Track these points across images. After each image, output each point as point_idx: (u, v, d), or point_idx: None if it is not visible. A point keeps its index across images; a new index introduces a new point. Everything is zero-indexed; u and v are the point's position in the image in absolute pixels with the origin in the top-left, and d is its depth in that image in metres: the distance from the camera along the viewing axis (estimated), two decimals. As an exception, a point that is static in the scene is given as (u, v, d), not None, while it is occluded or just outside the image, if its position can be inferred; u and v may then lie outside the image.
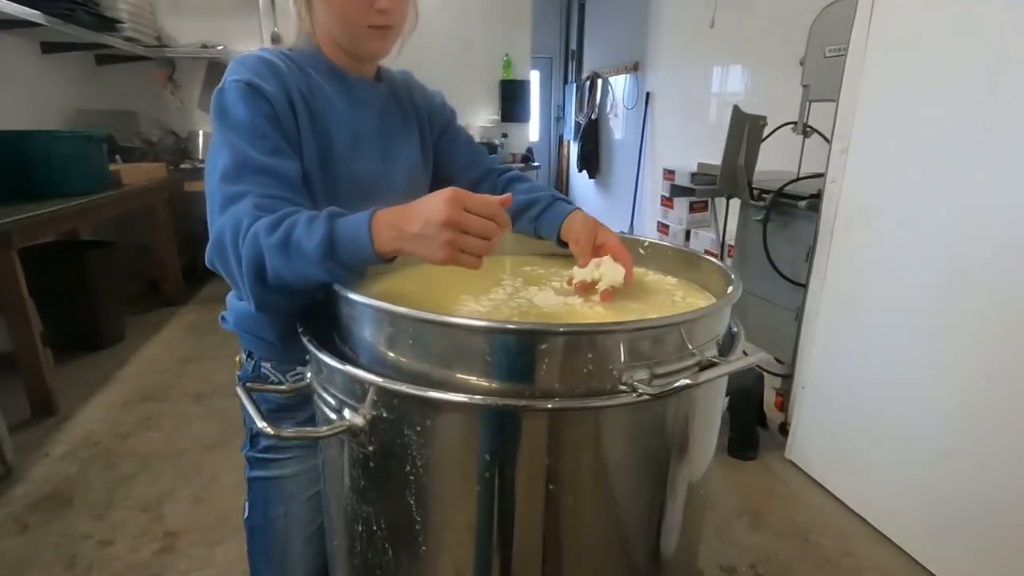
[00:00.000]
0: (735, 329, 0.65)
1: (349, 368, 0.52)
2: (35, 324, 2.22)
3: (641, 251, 0.87)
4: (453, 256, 0.56)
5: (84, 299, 2.83)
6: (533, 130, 6.77)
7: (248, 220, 0.62)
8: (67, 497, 1.82)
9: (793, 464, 2.00)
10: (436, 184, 0.97)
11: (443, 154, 0.97)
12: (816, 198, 1.98)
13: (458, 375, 0.50)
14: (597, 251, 0.78)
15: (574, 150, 6.51)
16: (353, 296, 0.55)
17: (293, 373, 0.84)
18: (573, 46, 6.69)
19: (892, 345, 1.63)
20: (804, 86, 2.27)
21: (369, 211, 0.60)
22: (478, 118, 4.61)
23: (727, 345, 0.62)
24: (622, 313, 0.67)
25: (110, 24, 3.24)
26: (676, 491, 0.56)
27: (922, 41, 1.53)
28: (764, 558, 1.61)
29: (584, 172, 6.29)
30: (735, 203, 2.47)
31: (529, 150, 4.83)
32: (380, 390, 0.51)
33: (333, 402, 0.56)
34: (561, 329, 0.49)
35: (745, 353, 0.56)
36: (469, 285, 0.76)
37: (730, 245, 2.85)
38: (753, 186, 2.30)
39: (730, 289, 0.62)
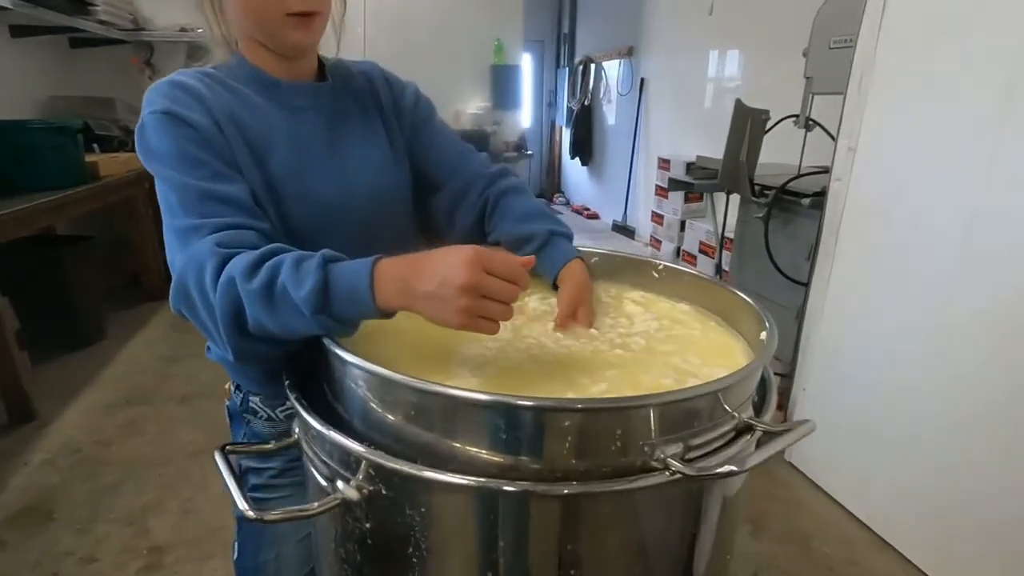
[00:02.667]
0: (767, 377, 0.59)
1: (340, 439, 0.46)
2: (9, 324, 2.13)
3: (655, 275, 0.81)
4: (470, 322, 0.50)
5: (62, 296, 2.72)
6: (525, 116, 6.64)
7: (213, 261, 0.54)
8: (47, 510, 1.75)
9: (794, 467, 1.98)
10: (417, 193, 0.88)
11: (421, 158, 0.86)
12: (820, 196, 1.93)
13: (468, 448, 0.44)
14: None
15: (567, 136, 6.40)
16: (346, 356, 0.48)
17: (283, 408, 0.78)
18: (566, 29, 6.55)
19: (897, 348, 1.60)
20: (807, 78, 2.20)
21: (371, 259, 0.53)
22: (469, 105, 4.50)
23: (760, 396, 0.57)
24: (647, 359, 0.60)
25: (82, 6, 3.09)
26: (711, 566, 0.51)
27: (937, 33, 1.46)
28: (765, 566, 1.58)
29: (577, 159, 6.20)
30: (735, 196, 2.42)
31: (522, 138, 4.73)
32: (375, 465, 0.44)
33: (325, 470, 0.50)
34: (579, 406, 0.43)
35: (782, 411, 0.50)
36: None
37: (728, 238, 2.81)
38: (754, 182, 2.25)
39: (763, 335, 0.56)
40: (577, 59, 6.05)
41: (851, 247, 1.75)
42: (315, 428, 0.48)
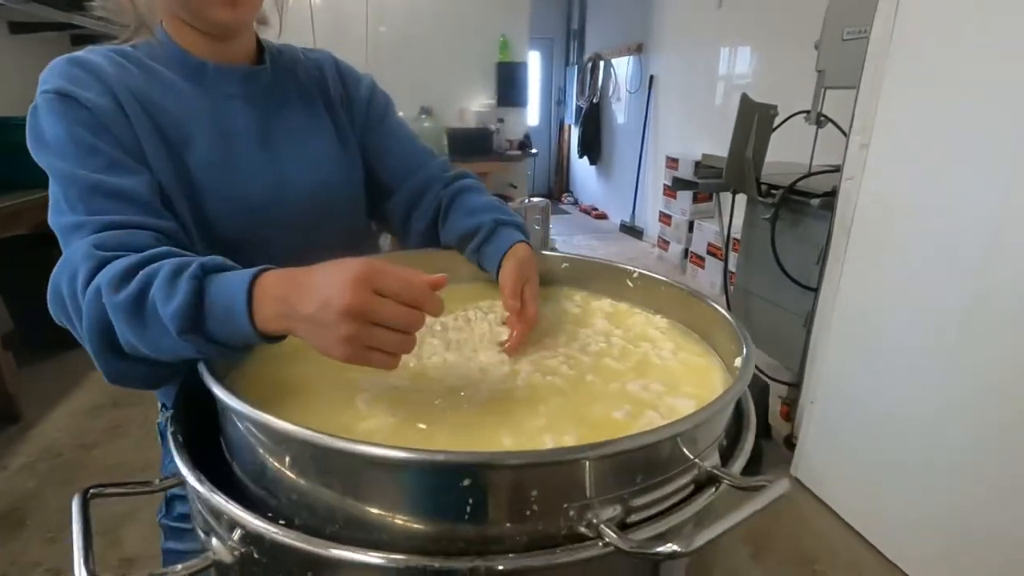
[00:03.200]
0: (745, 409, 0.50)
1: (208, 494, 0.37)
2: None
3: (629, 283, 0.72)
4: (356, 354, 0.41)
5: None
6: (532, 114, 6.55)
7: (87, 266, 0.47)
8: (20, 517, 1.70)
9: (799, 482, 1.87)
10: (371, 197, 0.80)
11: (374, 157, 0.79)
12: (830, 196, 1.82)
13: (370, 510, 0.36)
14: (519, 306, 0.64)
15: (575, 135, 6.29)
16: (220, 393, 0.39)
17: None
18: (575, 26, 6.44)
19: (912, 360, 1.48)
20: (819, 71, 2.08)
21: (253, 271, 0.45)
22: (473, 102, 4.41)
23: (735, 431, 0.47)
24: (601, 385, 0.51)
25: (78, 2, 3.05)
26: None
27: (957, 23, 1.35)
28: (767, 591, 1.48)
29: (585, 158, 6.09)
30: (742, 196, 2.30)
31: (527, 136, 4.63)
32: (242, 524, 0.36)
33: (201, 521, 0.42)
34: (471, 460, 0.33)
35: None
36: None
37: (736, 239, 2.69)
38: (761, 181, 2.13)
39: (738, 362, 0.47)
40: (586, 56, 5.94)
41: (863, 250, 1.63)
42: (180, 471, 0.40)
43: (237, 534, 0.38)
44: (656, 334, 0.63)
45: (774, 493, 0.35)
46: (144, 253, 0.47)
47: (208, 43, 0.65)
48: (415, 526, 0.35)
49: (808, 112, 2.16)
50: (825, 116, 2.14)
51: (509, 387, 0.51)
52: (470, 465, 0.33)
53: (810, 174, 2.04)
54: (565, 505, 0.34)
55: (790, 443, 2.02)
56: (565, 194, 6.88)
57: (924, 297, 1.44)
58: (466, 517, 0.34)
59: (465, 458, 0.33)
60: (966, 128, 1.33)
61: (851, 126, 1.66)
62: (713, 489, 0.39)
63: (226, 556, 0.39)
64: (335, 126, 0.75)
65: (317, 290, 0.41)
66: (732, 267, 2.71)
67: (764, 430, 2.12)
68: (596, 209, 6.14)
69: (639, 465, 0.36)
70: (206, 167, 0.62)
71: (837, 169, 1.79)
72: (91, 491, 0.44)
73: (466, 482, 0.33)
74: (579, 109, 6.08)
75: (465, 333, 0.62)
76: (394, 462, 0.33)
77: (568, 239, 5.19)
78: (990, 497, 1.31)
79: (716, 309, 0.58)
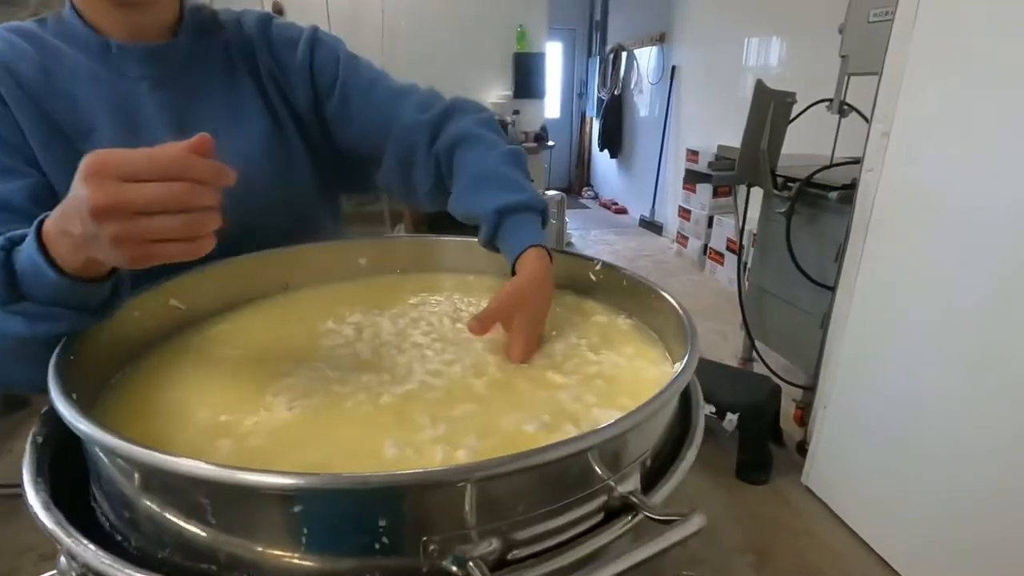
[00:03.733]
0: (695, 404, 0.43)
1: (38, 510, 0.33)
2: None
3: (592, 276, 0.65)
4: (139, 255, 0.36)
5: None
6: (553, 107, 6.45)
7: None
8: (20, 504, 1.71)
9: (810, 491, 1.77)
10: (358, 174, 0.72)
11: (341, 128, 0.68)
12: (849, 188, 1.71)
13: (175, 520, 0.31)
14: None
15: (596, 128, 6.18)
16: (52, 384, 0.34)
17: None
18: (597, 16, 6.31)
19: (932, 365, 1.38)
20: (842, 57, 1.96)
21: (37, 220, 0.40)
22: (489, 94, 4.35)
23: (680, 431, 0.40)
24: (528, 393, 0.46)
25: None
26: None
27: (985, 2, 1.23)
28: (768, 606, 1.40)
29: (606, 151, 5.97)
30: (757, 189, 2.20)
31: (543, 128, 4.54)
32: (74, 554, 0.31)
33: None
34: (299, 483, 0.26)
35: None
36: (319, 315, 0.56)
37: (754, 234, 2.58)
38: (777, 173, 2.03)
39: (678, 366, 0.40)
40: (608, 47, 5.81)
41: (882, 246, 1.53)
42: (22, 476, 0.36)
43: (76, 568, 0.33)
44: (616, 337, 0.56)
45: (685, 530, 0.29)
46: None
47: (117, 14, 0.57)
48: (237, 551, 0.30)
49: (830, 100, 2.05)
50: (848, 105, 2.02)
51: (424, 386, 0.46)
52: (293, 488, 0.27)
53: (830, 166, 1.93)
54: (424, 538, 0.28)
55: (803, 449, 1.92)
56: (585, 188, 6.77)
57: (946, 297, 1.34)
58: (303, 547, 0.28)
59: (278, 480, 0.26)
60: (994, 116, 1.22)
61: (872, 114, 1.55)
62: (628, 518, 0.33)
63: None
64: (266, 104, 0.65)
65: (73, 206, 0.36)
66: (748, 265, 2.60)
67: (776, 435, 2.02)
68: (616, 204, 6.02)
69: (524, 490, 0.30)
70: None
71: (858, 161, 1.68)
72: None
73: (296, 508, 0.27)
74: (600, 101, 5.97)
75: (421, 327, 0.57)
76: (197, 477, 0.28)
77: (584, 234, 5.10)
78: (1017, 516, 1.20)
79: (667, 300, 0.51)
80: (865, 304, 1.59)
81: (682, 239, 4.30)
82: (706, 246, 3.96)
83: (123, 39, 0.58)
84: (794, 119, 2.02)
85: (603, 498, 0.33)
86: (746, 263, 2.53)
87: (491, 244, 0.60)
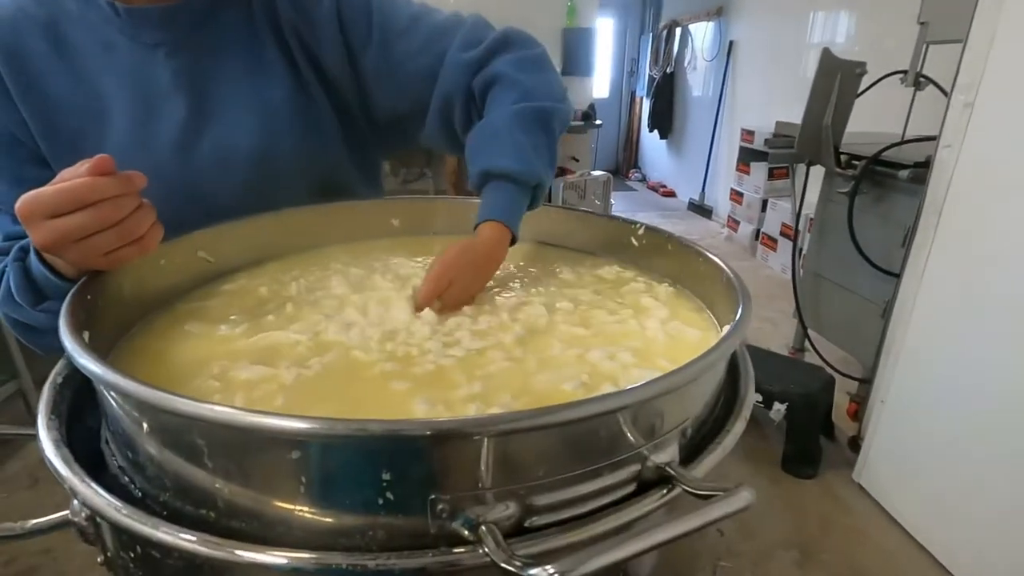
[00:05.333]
0: (744, 374, 0.38)
1: (57, 465, 0.32)
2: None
3: (634, 241, 0.61)
4: (107, 263, 0.42)
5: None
6: (602, 86, 6.28)
7: None
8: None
9: (861, 489, 1.67)
10: (401, 128, 0.66)
11: (377, 86, 0.61)
12: (923, 167, 1.57)
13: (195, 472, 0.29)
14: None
15: (646, 108, 5.99)
16: (71, 346, 0.32)
17: None
18: (652, -9, 6.07)
19: (1006, 360, 1.26)
20: (921, 24, 1.80)
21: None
22: (537, 71, 4.26)
23: (724, 410, 0.36)
24: (562, 354, 0.42)
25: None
26: None
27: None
28: (811, 605, 1.33)
29: (655, 132, 5.79)
30: (817, 170, 2.07)
31: (591, 107, 4.42)
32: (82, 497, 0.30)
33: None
34: (315, 429, 0.24)
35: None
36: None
37: (811, 218, 2.44)
38: (841, 151, 1.89)
39: (727, 329, 0.36)
40: (662, 23, 5.59)
41: (957, 231, 1.40)
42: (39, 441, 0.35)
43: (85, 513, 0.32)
44: (651, 305, 0.52)
45: (730, 506, 0.25)
46: None
47: None
48: (236, 498, 0.28)
49: (904, 72, 1.89)
50: (925, 76, 1.86)
51: (448, 345, 0.43)
52: (287, 431, 0.24)
53: (901, 142, 1.79)
54: (432, 496, 0.25)
55: (855, 445, 1.82)
56: (632, 170, 6.60)
57: (1029, 286, 1.22)
58: (302, 496, 0.26)
59: (275, 423, 0.24)
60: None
61: (954, 84, 1.42)
62: (663, 491, 0.29)
63: (82, 518, 0.34)
64: (290, 65, 0.60)
65: None
66: (802, 250, 2.46)
67: (827, 428, 1.92)
68: (664, 186, 5.84)
69: (547, 451, 0.27)
70: (121, 139, 0.55)
71: (932, 138, 1.55)
72: None
73: (294, 455, 0.25)
74: (651, 80, 5.76)
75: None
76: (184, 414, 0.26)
77: (630, 216, 4.97)
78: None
79: (715, 263, 0.47)
80: (934, 292, 1.47)
81: (733, 223, 4.13)
82: (758, 231, 3.79)
83: (139, 1, 0.55)
84: (862, 92, 1.87)
85: (635, 467, 0.30)
86: (800, 248, 2.39)
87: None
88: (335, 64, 0.62)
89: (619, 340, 0.44)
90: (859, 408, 1.90)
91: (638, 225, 0.60)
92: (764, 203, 3.71)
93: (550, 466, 0.27)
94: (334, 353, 0.42)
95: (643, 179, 6.40)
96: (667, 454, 0.30)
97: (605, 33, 6.16)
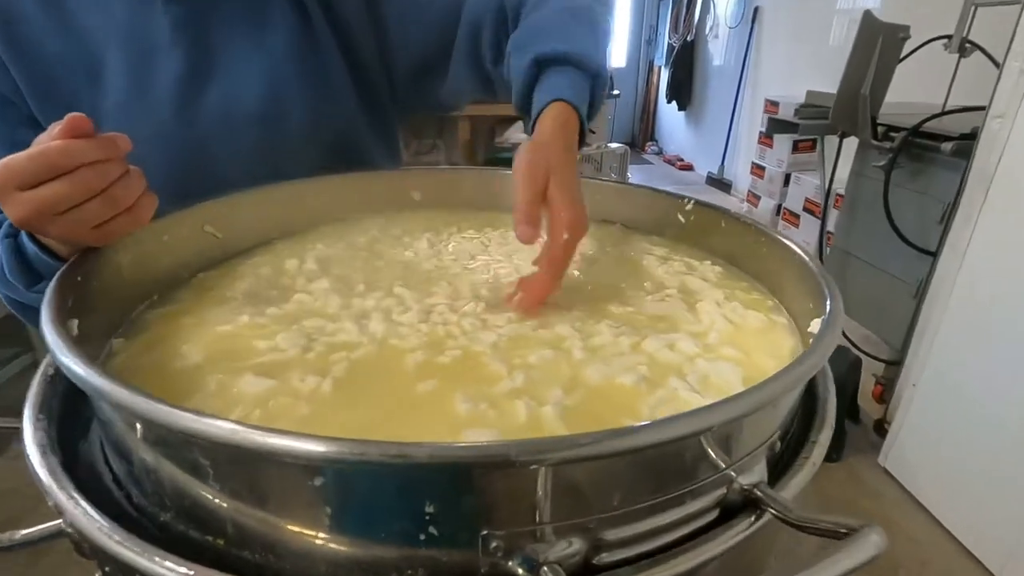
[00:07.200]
0: (821, 395, 0.33)
1: (41, 475, 0.27)
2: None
3: (681, 218, 0.55)
4: (94, 238, 0.37)
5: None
6: (619, 55, 6.09)
7: None
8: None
9: (888, 474, 1.63)
10: (425, 79, 0.61)
11: (415, 32, 0.57)
12: (968, 139, 1.48)
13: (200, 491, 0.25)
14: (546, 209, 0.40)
15: (664, 77, 5.81)
16: (52, 340, 0.28)
17: None
18: (673, -47, 5.83)
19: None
20: (969, -15, 1.68)
21: None
22: (553, 38, 4.12)
23: (803, 423, 0.31)
24: (613, 339, 0.37)
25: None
26: None
27: None
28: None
29: (674, 103, 5.62)
30: (849, 143, 1.97)
31: (609, 77, 4.29)
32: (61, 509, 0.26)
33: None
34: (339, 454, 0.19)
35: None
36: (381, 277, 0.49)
37: (838, 194, 2.35)
38: (879, 122, 1.80)
39: (815, 324, 0.30)
40: (683, -13, 5.38)
41: (1003, 209, 1.32)
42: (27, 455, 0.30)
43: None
44: (698, 286, 0.46)
45: (858, 554, 0.20)
46: None
47: None
48: (248, 523, 0.23)
49: (949, 38, 1.78)
50: (971, 42, 1.74)
51: (487, 326, 0.38)
52: (308, 456, 0.20)
53: (943, 113, 1.69)
54: (485, 532, 0.21)
55: (881, 428, 1.77)
56: (649, 143, 6.44)
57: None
58: (327, 527, 0.22)
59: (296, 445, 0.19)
60: None
61: (1008, 50, 1.32)
62: (751, 520, 0.25)
63: (73, 528, 0.29)
64: (297, 11, 0.56)
65: None
66: (830, 227, 2.37)
67: (852, 411, 1.87)
68: (681, 159, 5.69)
69: (620, 477, 0.22)
70: (117, 110, 0.51)
71: (979, 108, 1.45)
72: None
73: (316, 482, 0.21)
74: (671, 48, 5.57)
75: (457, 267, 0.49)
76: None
77: (647, 190, 4.86)
78: None
79: (789, 247, 0.41)
80: (975, 272, 1.40)
81: (753, 198, 4.02)
82: (780, 206, 3.68)
83: None
84: (904, 58, 1.77)
85: (720, 491, 0.25)
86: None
87: (523, 106, 0.48)
88: (352, 11, 0.57)
89: (673, 325, 0.39)
90: (885, 390, 1.84)
91: (687, 199, 0.54)
92: (787, 177, 3.60)
93: (623, 495, 0.22)
94: (364, 349, 0.37)
95: (660, 152, 6.25)
96: (756, 474, 0.26)
97: (623, -1, 5.95)
